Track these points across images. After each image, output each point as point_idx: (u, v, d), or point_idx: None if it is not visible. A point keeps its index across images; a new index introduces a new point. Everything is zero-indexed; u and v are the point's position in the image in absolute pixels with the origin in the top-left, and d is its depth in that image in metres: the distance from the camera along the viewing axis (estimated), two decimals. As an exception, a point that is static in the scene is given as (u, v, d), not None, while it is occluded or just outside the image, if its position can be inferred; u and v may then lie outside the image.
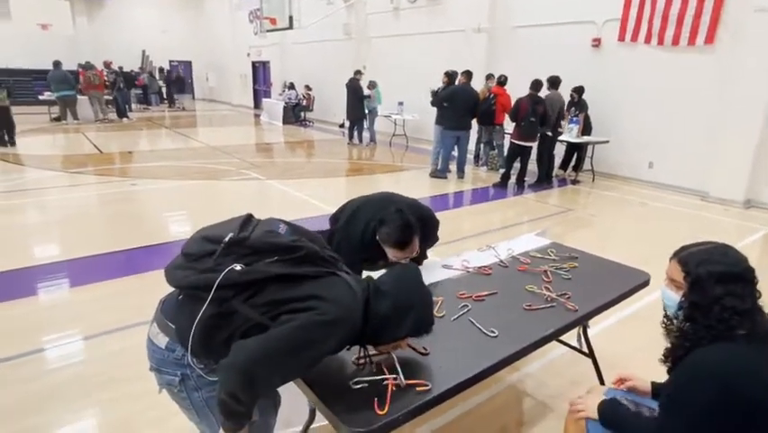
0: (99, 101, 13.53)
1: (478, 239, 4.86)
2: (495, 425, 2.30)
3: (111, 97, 14.24)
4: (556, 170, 8.09)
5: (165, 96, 19.34)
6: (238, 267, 1.22)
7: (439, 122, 7.53)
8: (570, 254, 2.49)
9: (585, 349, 2.47)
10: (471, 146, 9.09)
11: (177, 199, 6.12)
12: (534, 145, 7.18)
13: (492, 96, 7.65)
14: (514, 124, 6.98)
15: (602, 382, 2.50)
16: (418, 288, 1.44)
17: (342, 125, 13.65)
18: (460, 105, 7.31)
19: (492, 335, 1.70)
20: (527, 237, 2.79)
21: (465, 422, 2.28)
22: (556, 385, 2.60)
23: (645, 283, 2.25)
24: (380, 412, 1.27)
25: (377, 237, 2.05)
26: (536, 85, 6.87)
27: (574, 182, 7.85)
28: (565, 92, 7.45)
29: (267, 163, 8.67)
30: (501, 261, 2.38)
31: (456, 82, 7.59)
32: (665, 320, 1.41)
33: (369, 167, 8.79)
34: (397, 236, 1.97)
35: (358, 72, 10.65)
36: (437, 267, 2.29)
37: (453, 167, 7.86)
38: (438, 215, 2.46)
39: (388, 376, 1.41)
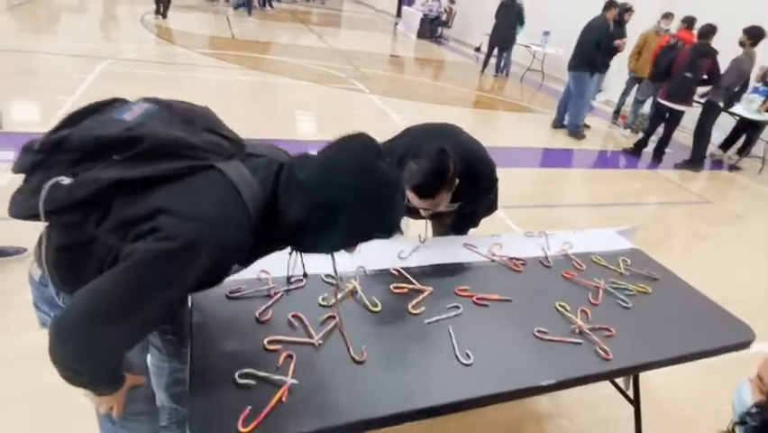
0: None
1: (567, 211, 4.10)
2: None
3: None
4: (713, 150, 6.53)
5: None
6: (65, 180, 0.87)
7: (582, 67, 6.06)
8: (648, 273, 1.82)
9: (630, 393, 1.90)
10: (615, 98, 7.71)
11: (269, 96, 6.07)
12: (689, 111, 5.69)
13: (680, 42, 5.78)
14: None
15: (642, 439, 1.94)
16: (361, 172, 0.92)
17: (478, 49, 12.46)
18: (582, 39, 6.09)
19: (465, 361, 1.25)
20: (604, 233, 2.13)
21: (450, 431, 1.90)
22: (583, 421, 2.09)
23: (744, 345, 1.57)
24: (242, 430, 0.96)
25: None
26: (707, 31, 5.30)
27: (732, 168, 6.30)
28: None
29: (380, 76, 8.23)
30: (546, 257, 1.82)
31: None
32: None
33: (491, 102, 7.92)
34: (419, 180, 1.52)
35: None
36: (457, 244, 1.82)
37: (589, 120, 6.75)
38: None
39: (286, 380, 1.08)
